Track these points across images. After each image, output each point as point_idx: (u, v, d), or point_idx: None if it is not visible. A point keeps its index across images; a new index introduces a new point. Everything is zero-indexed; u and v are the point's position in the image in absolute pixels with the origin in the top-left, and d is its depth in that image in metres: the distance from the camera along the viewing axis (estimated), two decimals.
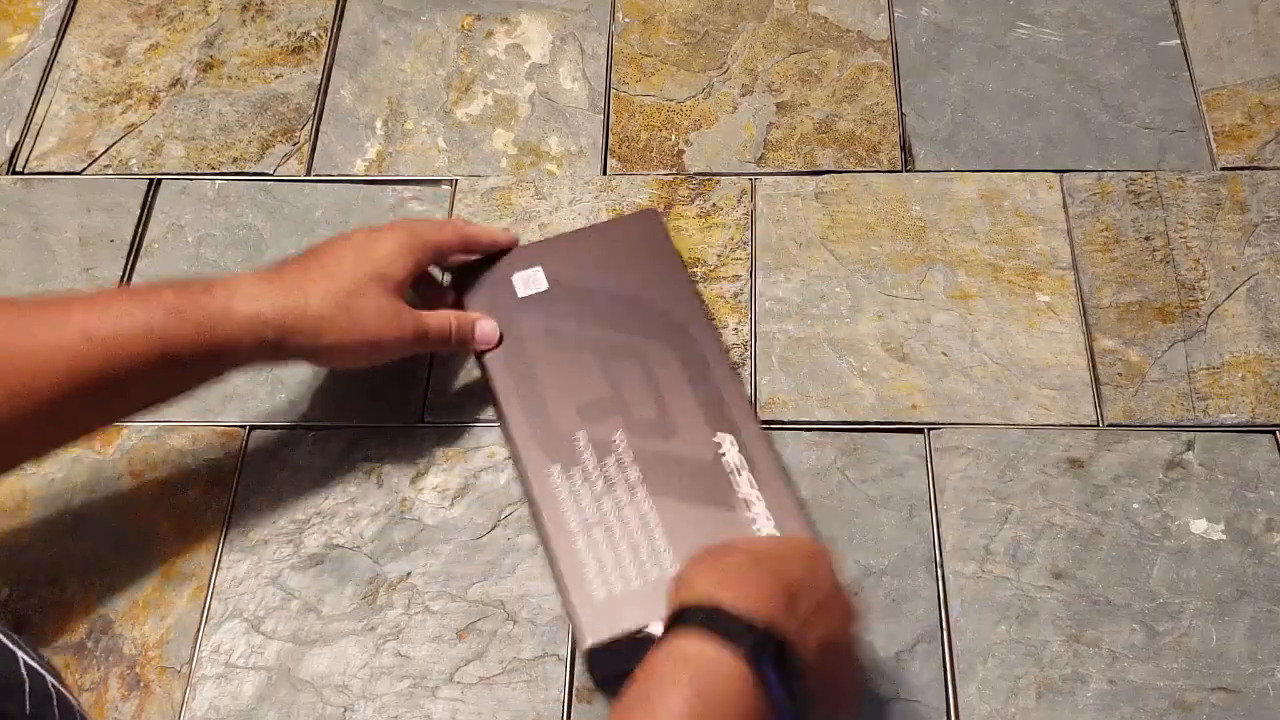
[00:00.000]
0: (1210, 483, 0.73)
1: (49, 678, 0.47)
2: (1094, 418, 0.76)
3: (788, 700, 0.53)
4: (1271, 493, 0.73)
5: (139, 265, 0.84)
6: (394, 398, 0.78)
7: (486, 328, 0.75)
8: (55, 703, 0.46)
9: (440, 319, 0.73)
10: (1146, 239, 0.82)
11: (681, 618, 0.55)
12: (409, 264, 0.72)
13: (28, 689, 0.45)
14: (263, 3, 0.97)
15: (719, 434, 0.71)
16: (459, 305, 0.77)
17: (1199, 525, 0.72)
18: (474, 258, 0.79)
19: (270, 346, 0.67)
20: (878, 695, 0.67)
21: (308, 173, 0.88)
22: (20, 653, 0.46)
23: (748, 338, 0.79)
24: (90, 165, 0.89)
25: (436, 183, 0.87)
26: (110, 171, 0.89)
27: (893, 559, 0.71)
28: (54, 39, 0.95)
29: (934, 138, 0.88)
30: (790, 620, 0.55)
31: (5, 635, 0.45)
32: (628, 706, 0.53)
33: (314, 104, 0.91)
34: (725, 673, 0.52)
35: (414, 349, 0.73)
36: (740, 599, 0.54)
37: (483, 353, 0.75)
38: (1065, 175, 0.86)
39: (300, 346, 0.68)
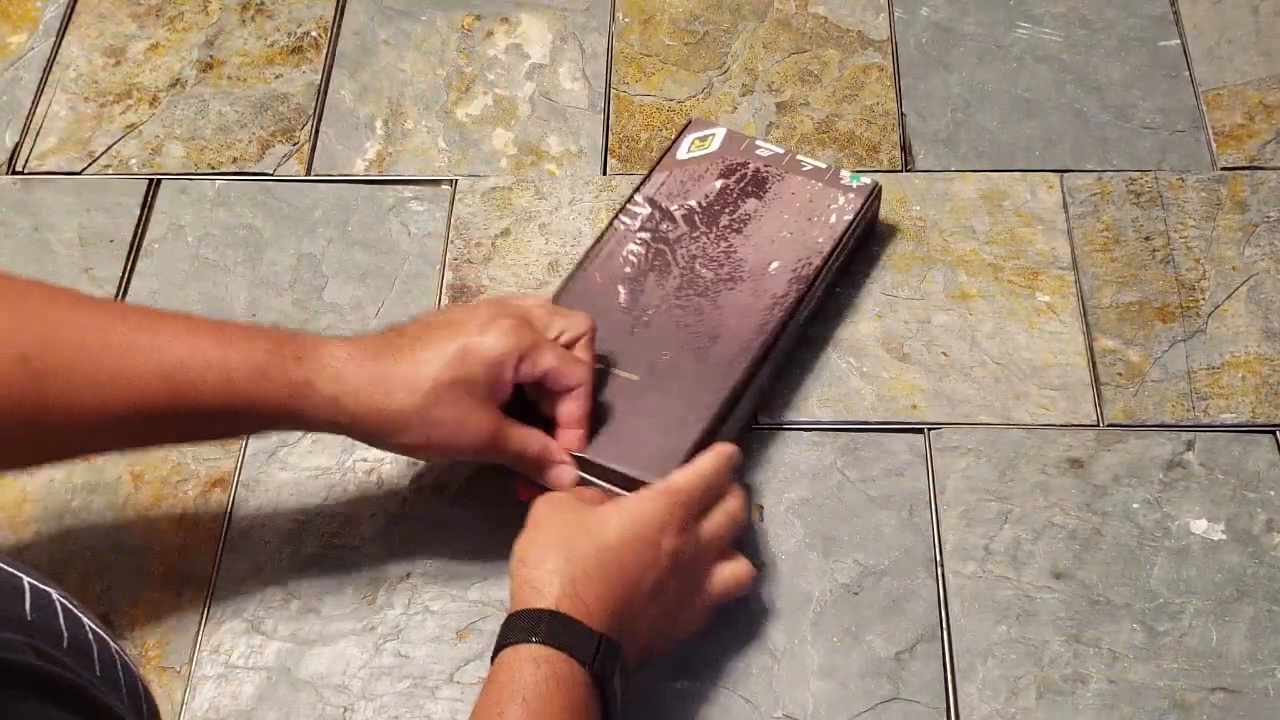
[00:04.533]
0: (1210, 483, 0.73)
1: (112, 643, 0.47)
2: (1094, 418, 0.76)
3: (616, 689, 0.58)
4: (1271, 493, 0.73)
5: (139, 265, 0.84)
6: None
7: (563, 475, 0.68)
8: (119, 666, 0.47)
9: (521, 441, 0.67)
10: (1146, 239, 0.82)
11: (526, 623, 0.58)
12: (505, 378, 0.65)
13: (96, 654, 0.45)
14: (263, 3, 0.97)
15: None
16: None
17: (1199, 525, 0.72)
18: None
19: (340, 429, 0.65)
20: (878, 695, 0.67)
21: (308, 173, 0.88)
22: (85, 618, 0.46)
23: None
24: (90, 165, 0.89)
25: (436, 183, 0.87)
26: (110, 171, 0.89)
27: (893, 559, 0.71)
28: (54, 39, 0.96)
29: (934, 138, 0.88)
30: (630, 615, 0.60)
31: (70, 601, 0.46)
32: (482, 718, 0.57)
33: (314, 104, 0.91)
34: (568, 679, 0.57)
35: (486, 460, 0.68)
36: (585, 606, 0.58)
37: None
38: (1065, 175, 0.86)
39: (368, 438, 0.65)
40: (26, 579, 0.44)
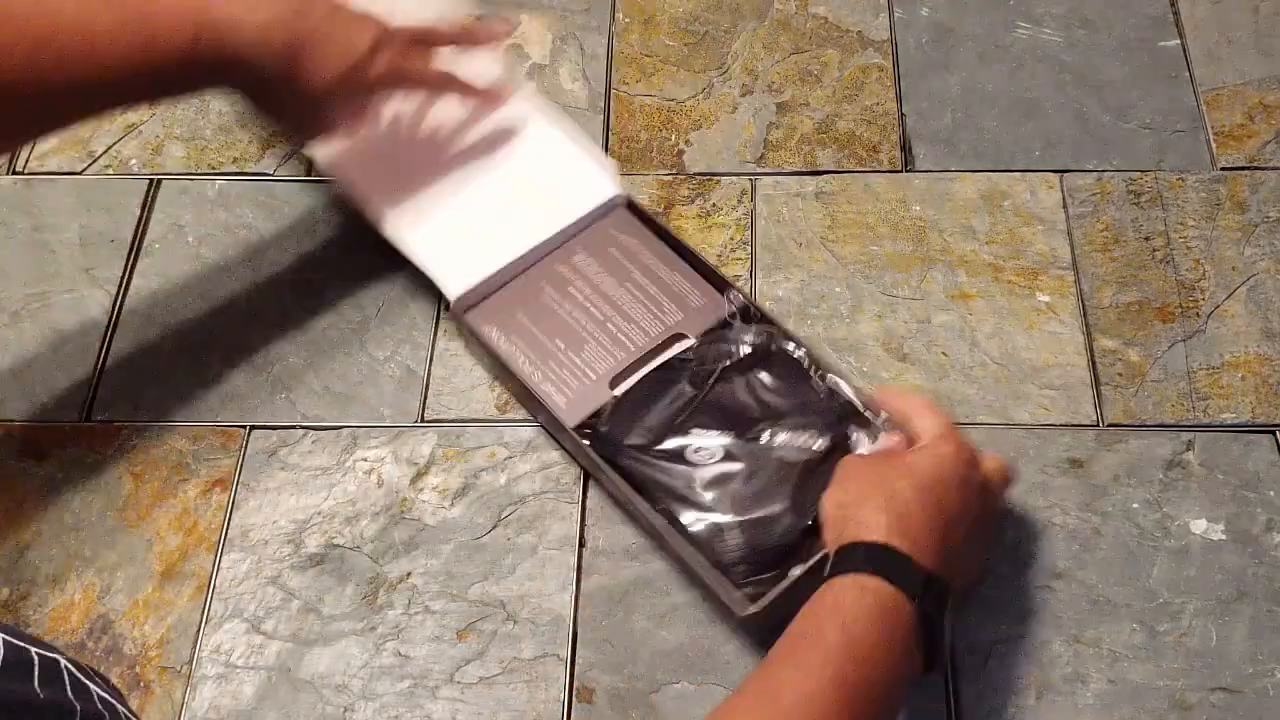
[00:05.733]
0: (1210, 483, 0.73)
1: (120, 706, 0.47)
2: (1094, 418, 0.76)
3: (945, 628, 0.59)
4: (1271, 493, 0.73)
5: (139, 265, 0.84)
6: (394, 398, 0.78)
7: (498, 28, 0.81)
8: None
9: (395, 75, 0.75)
10: (1146, 239, 0.82)
11: (854, 555, 0.59)
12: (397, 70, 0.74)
13: None
14: None
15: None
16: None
17: (1199, 525, 0.72)
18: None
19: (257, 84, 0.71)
20: None
21: (308, 173, 0.88)
22: (91, 684, 0.46)
23: None
24: (90, 165, 0.89)
25: None
26: (110, 171, 0.89)
27: None
28: None
29: (934, 138, 0.88)
30: (949, 555, 0.60)
31: (75, 666, 0.46)
32: (799, 634, 0.57)
33: None
34: (893, 611, 0.57)
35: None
36: (912, 542, 0.59)
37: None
38: (1065, 175, 0.86)
39: (274, 104, 0.73)
40: (34, 649, 0.44)
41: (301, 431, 0.77)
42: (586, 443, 0.72)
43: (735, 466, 0.70)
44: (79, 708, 0.44)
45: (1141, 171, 0.85)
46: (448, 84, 0.79)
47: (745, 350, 0.74)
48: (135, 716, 0.48)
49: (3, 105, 0.64)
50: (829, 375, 0.73)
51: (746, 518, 0.68)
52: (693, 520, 0.68)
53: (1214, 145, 0.86)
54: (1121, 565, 0.70)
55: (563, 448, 0.75)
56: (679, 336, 0.76)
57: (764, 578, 0.66)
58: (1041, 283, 0.81)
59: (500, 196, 0.81)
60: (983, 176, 0.86)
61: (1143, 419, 0.75)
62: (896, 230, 0.83)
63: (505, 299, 0.77)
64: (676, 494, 0.69)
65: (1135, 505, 0.72)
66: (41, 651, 0.44)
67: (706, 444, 0.71)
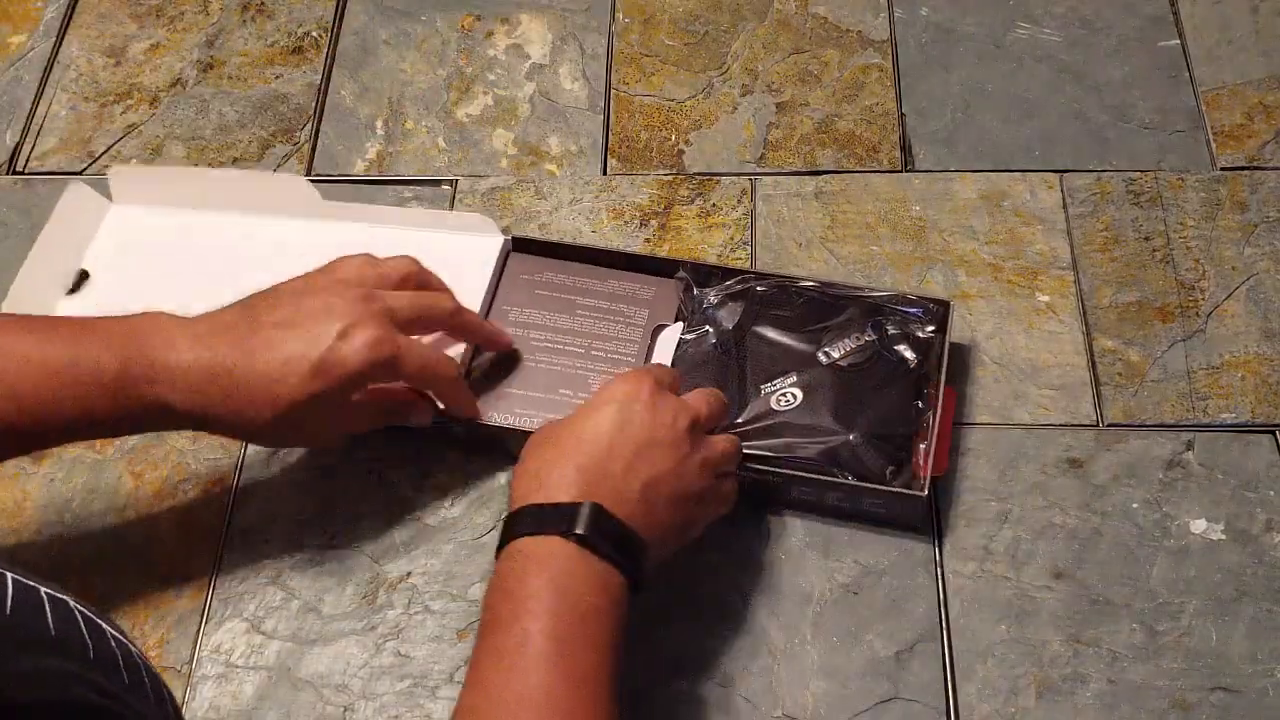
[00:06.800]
0: (1210, 483, 0.73)
1: (132, 646, 0.47)
2: (1094, 418, 0.76)
3: (620, 553, 0.58)
4: (1271, 493, 0.73)
5: None
6: None
7: (423, 414, 0.72)
8: (143, 669, 0.47)
9: (374, 416, 0.70)
10: (1146, 239, 0.82)
11: (506, 527, 0.60)
12: (363, 388, 0.66)
13: (121, 662, 0.45)
14: (263, 3, 0.97)
15: None
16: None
17: (1199, 525, 0.72)
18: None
19: (198, 429, 0.66)
20: (878, 695, 0.67)
21: (308, 173, 0.88)
22: (106, 626, 0.46)
23: None
24: (90, 165, 0.89)
25: (437, 183, 0.87)
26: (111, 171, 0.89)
27: (893, 559, 0.71)
28: (54, 39, 0.96)
29: (934, 138, 0.88)
30: (603, 482, 0.60)
31: (86, 608, 0.46)
32: (490, 625, 0.57)
33: (314, 104, 0.91)
34: (544, 556, 0.57)
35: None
36: (548, 490, 0.59)
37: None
38: (1065, 175, 0.86)
39: (227, 436, 0.67)
40: (43, 590, 0.44)
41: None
42: None
43: (819, 393, 0.72)
44: (91, 644, 0.44)
45: (1141, 171, 0.85)
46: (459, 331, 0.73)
47: (737, 305, 0.75)
48: (146, 659, 0.47)
49: None
50: (825, 286, 0.76)
51: (864, 422, 0.70)
52: (819, 452, 0.70)
53: (1214, 145, 0.86)
54: (1121, 565, 0.71)
55: None
56: (660, 328, 0.76)
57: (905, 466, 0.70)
58: (1041, 283, 0.81)
59: None
60: (982, 176, 0.86)
61: (1142, 419, 0.76)
62: (896, 230, 0.83)
63: (478, 381, 0.75)
64: (788, 445, 0.70)
65: (1135, 505, 0.72)
66: (51, 592, 0.44)
67: (781, 391, 0.72)
